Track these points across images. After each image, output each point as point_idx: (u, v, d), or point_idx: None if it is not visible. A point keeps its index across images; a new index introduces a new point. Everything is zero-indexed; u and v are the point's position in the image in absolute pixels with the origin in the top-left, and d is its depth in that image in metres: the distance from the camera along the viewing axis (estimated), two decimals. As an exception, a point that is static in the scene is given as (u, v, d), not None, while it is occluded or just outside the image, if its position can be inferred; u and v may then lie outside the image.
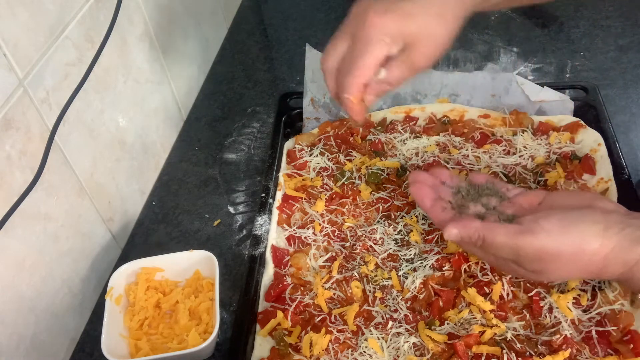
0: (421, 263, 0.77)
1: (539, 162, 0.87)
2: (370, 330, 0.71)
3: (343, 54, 0.69)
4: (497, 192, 0.72)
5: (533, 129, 0.93)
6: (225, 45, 1.31)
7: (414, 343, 0.69)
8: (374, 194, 0.87)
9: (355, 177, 0.90)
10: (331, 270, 0.78)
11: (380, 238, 0.81)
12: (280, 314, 0.73)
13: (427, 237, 0.80)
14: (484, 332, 0.68)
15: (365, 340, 0.69)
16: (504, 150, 0.90)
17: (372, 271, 0.77)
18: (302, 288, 0.77)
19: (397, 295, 0.74)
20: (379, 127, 0.97)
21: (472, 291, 0.71)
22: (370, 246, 0.80)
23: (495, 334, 0.68)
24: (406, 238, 0.81)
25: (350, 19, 0.68)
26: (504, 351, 0.66)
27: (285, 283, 0.77)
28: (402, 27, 0.64)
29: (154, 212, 0.96)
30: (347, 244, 0.82)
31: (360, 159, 0.92)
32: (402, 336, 0.70)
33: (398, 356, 0.68)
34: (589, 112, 0.94)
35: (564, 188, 0.82)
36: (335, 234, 0.83)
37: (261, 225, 0.85)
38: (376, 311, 0.73)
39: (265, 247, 0.82)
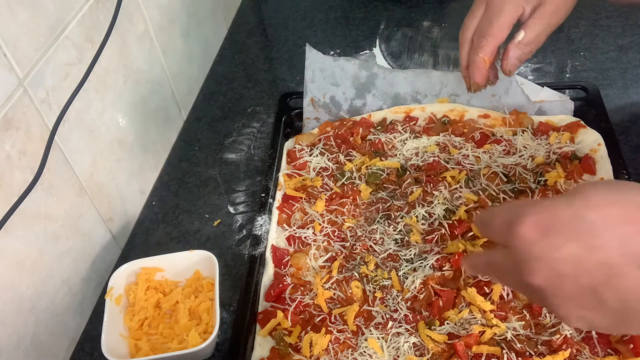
0: (421, 263, 0.77)
1: (539, 162, 0.87)
2: (370, 330, 0.71)
3: (479, 21, 0.74)
4: None
5: (533, 129, 0.92)
6: (225, 45, 1.31)
7: (414, 343, 0.69)
8: (374, 194, 0.87)
9: (355, 177, 0.90)
10: (331, 270, 0.78)
11: (380, 238, 0.81)
12: (280, 314, 0.73)
13: (427, 237, 0.80)
14: (484, 332, 0.68)
15: (365, 340, 0.69)
16: (504, 150, 0.90)
17: (372, 271, 0.77)
18: (302, 288, 0.77)
19: (397, 295, 0.74)
20: (379, 127, 0.97)
21: (472, 291, 0.71)
22: (370, 246, 0.80)
23: (495, 334, 0.68)
24: (406, 238, 0.81)
25: None
26: (504, 351, 0.66)
27: (285, 283, 0.77)
28: None
29: (154, 212, 0.96)
30: (347, 244, 0.82)
31: (360, 159, 0.92)
32: (402, 336, 0.70)
33: (398, 356, 0.68)
34: (589, 112, 0.94)
35: (564, 188, 0.82)
36: (335, 234, 0.83)
37: (261, 225, 0.85)
38: (376, 311, 0.73)
39: (265, 247, 0.82)
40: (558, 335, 0.66)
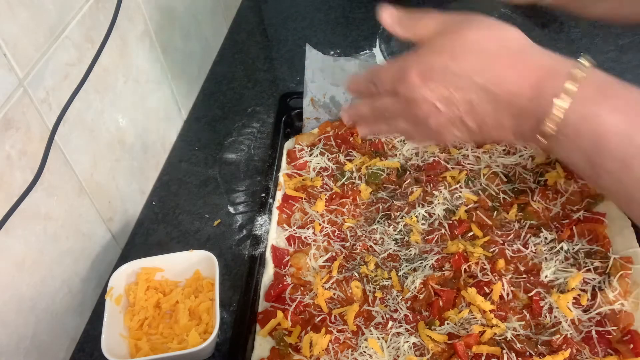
0: (421, 263, 0.77)
1: (539, 162, 0.87)
2: (370, 330, 0.71)
3: None
4: None
5: (533, 129, 0.92)
6: (225, 45, 1.31)
7: (414, 343, 0.69)
8: (374, 194, 0.87)
9: (355, 177, 0.90)
10: (331, 270, 0.78)
11: (380, 238, 0.81)
12: (280, 314, 0.73)
13: (427, 237, 0.80)
14: (484, 332, 0.68)
15: (365, 340, 0.69)
16: (504, 150, 0.90)
17: (372, 271, 0.77)
18: (302, 288, 0.77)
19: (397, 295, 0.74)
20: (379, 127, 0.97)
21: (472, 291, 0.71)
22: (370, 246, 0.80)
23: (495, 334, 0.68)
24: (406, 238, 0.81)
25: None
26: (504, 351, 0.66)
27: (285, 283, 0.77)
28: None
29: (154, 212, 0.96)
30: (347, 244, 0.82)
31: (360, 159, 0.92)
32: (402, 336, 0.70)
33: (398, 356, 0.68)
34: (589, 112, 0.94)
35: (564, 188, 0.82)
36: (335, 234, 0.83)
37: (261, 225, 0.85)
38: (376, 311, 0.73)
39: (265, 247, 0.82)
40: (558, 335, 0.66)
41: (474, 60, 0.55)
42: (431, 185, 0.86)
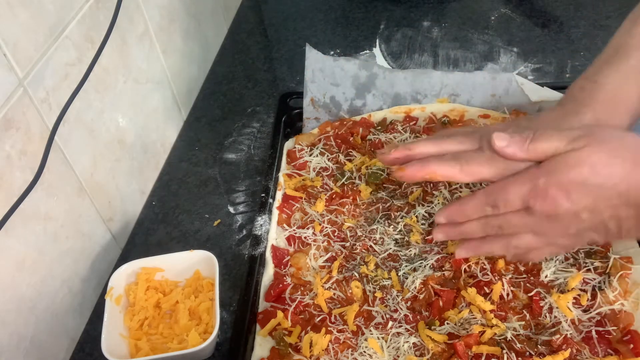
0: (421, 263, 0.77)
1: (539, 162, 0.87)
2: (370, 330, 0.71)
3: None
4: None
5: (533, 129, 0.92)
6: (225, 45, 1.31)
7: (414, 343, 0.69)
8: (374, 194, 0.87)
9: (355, 177, 0.90)
10: (331, 270, 0.78)
11: (380, 238, 0.81)
12: (280, 314, 0.73)
13: (427, 237, 0.80)
14: (484, 332, 0.68)
15: (365, 340, 0.70)
16: (504, 150, 0.90)
17: (372, 271, 0.77)
18: (302, 288, 0.77)
19: (397, 295, 0.74)
20: (379, 127, 0.97)
21: (472, 291, 0.71)
22: (370, 246, 0.80)
23: (495, 334, 0.68)
24: (406, 238, 0.81)
25: None
26: (504, 351, 0.66)
27: (285, 283, 0.77)
28: None
29: (154, 212, 0.96)
30: (347, 244, 0.82)
31: (360, 159, 0.92)
32: (402, 336, 0.70)
33: (398, 356, 0.68)
34: (589, 112, 0.94)
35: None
36: (335, 234, 0.83)
37: (261, 225, 0.85)
38: (376, 311, 0.73)
39: (265, 247, 0.82)
40: (558, 335, 0.66)
41: (616, 170, 0.56)
42: (431, 185, 0.86)
